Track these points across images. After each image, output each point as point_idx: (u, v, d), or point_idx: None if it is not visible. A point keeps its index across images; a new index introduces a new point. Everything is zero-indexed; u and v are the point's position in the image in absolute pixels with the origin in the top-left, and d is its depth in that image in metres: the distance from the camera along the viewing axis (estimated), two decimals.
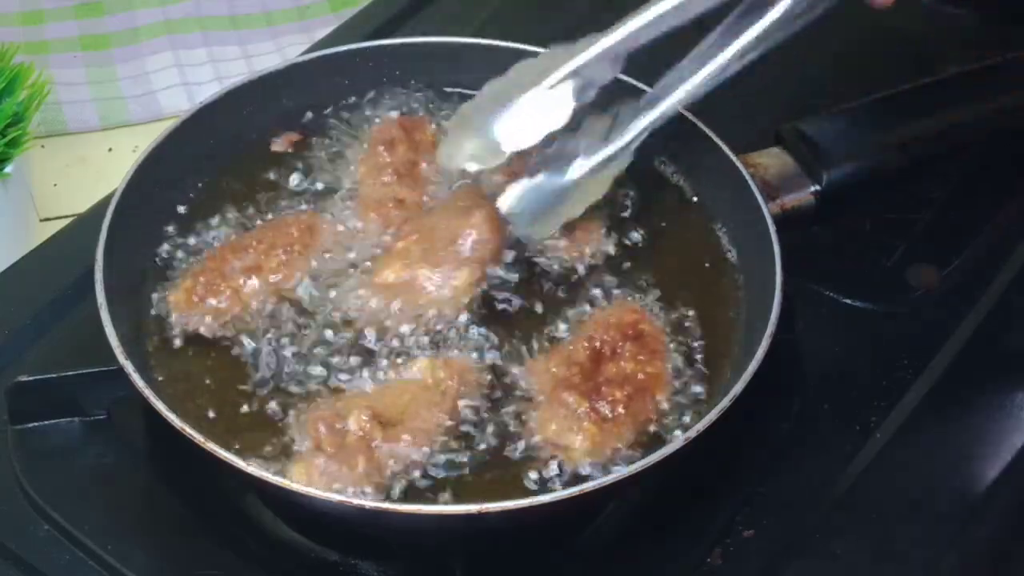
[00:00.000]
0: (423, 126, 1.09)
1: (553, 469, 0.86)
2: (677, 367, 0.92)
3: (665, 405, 0.89)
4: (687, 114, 1.05)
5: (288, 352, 0.93)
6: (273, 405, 0.89)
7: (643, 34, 0.91)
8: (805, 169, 1.04)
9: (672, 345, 0.94)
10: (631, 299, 0.97)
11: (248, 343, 0.93)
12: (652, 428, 0.88)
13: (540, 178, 0.96)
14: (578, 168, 0.96)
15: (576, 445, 0.86)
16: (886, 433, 0.97)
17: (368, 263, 0.98)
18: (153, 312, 0.95)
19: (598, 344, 0.91)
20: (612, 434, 0.87)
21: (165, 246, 1.00)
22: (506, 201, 0.96)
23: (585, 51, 0.92)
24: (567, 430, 0.86)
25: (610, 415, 0.87)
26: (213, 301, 0.93)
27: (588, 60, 0.92)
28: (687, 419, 0.89)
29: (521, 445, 0.87)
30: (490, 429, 0.88)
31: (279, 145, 1.08)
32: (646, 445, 0.87)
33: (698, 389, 0.91)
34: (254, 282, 0.95)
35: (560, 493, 0.82)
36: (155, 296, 0.96)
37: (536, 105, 0.93)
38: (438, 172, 1.06)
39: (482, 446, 0.87)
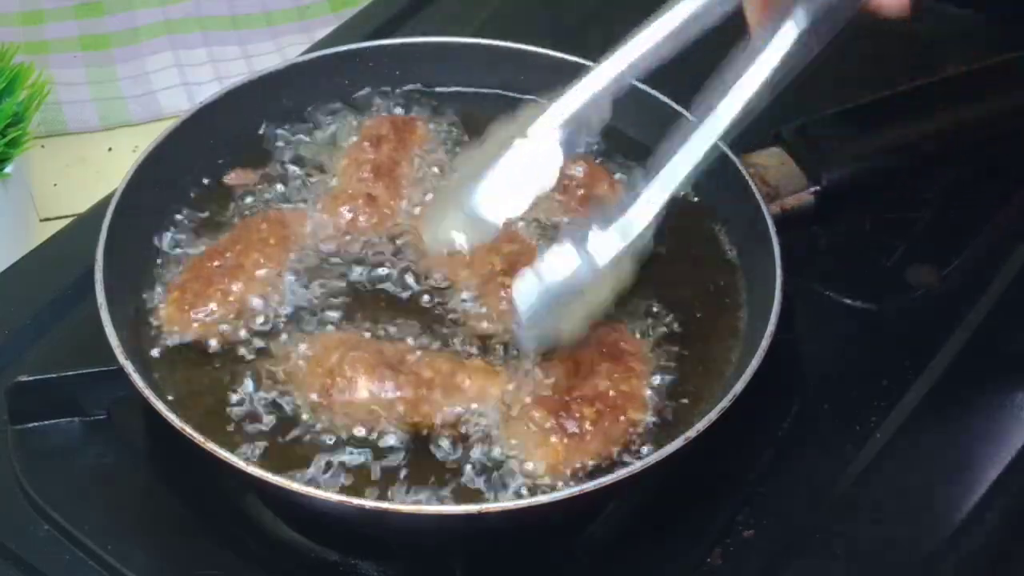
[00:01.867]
0: (414, 126, 1.09)
1: (512, 481, 0.85)
2: (669, 373, 0.92)
3: (640, 423, 0.88)
4: (687, 114, 1.05)
5: (291, 346, 0.93)
6: (272, 402, 0.89)
7: (637, 67, 0.82)
8: (805, 169, 1.04)
9: (667, 347, 0.94)
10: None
11: (244, 342, 0.93)
12: (621, 446, 0.87)
13: (554, 270, 0.82)
14: (596, 253, 0.82)
15: (537, 460, 0.85)
16: (886, 433, 0.97)
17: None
18: (151, 317, 0.95)
19: (576, 360, 0.90)
20: (576, 451, 0.86)
21: (165, 246, 1.00)
22: (523, 300, 0.83)
23: (568, 97, 0.82)
24: (531, 444, 0.86)
25: (576, 432, 0.86)
26: (203, 308, 0.94)
27: (573, 108, 0.82)
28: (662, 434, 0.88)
29: (481, 454, 0.87)
30: (450, 438, 0.88)
31: (232, 180, 1.06)
32: (614, 465, 0.86)
33: (684, 400, 0.91)
34: (239, 283, 0.95)
35: (560, 493, 0.82)
36: (154, 295, 0.96)
37: (519, 164, 0.82)
38: (420, 175, 1.06)
39: (440, 454, 0.87)
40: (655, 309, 0.97)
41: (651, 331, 0.95)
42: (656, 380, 0.92)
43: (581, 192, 1.03)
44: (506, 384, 0.90)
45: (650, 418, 0.89)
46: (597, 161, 1.08)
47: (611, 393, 0.88)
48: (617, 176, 1.07)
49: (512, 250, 0.97)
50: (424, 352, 0.91)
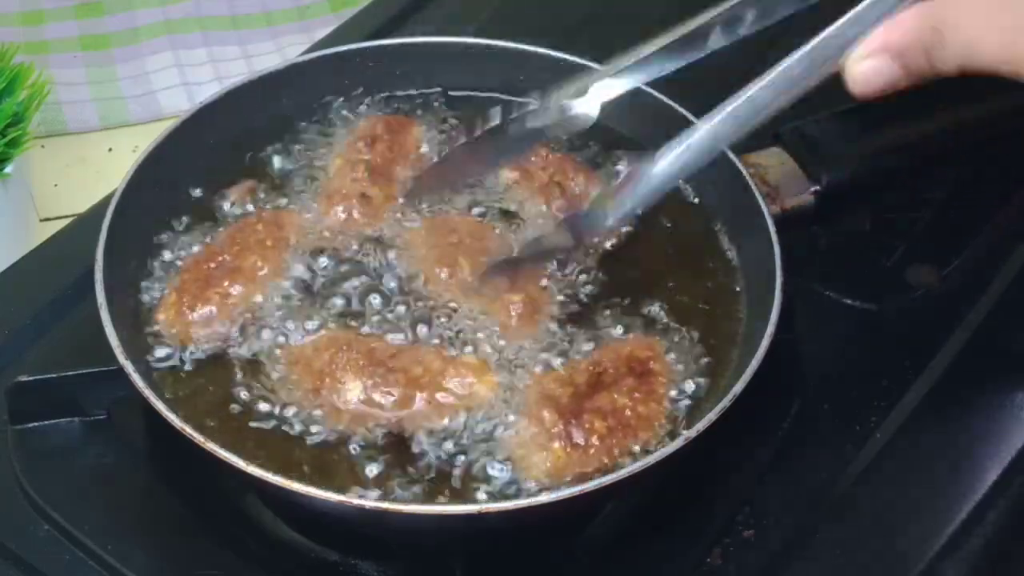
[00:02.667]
0: (409, 127, 1.09)
1: (503, 479, 0.85)
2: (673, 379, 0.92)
3: (647, 446, 0.87)
4: (687, 114, 1.05)
5: (288, 346, 0.93)
6: (271, 401, 0.89)
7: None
8: (805, 169, 1.04)
9: (666, 348, 0.94)
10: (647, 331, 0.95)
11: (242, 341, 0.93)
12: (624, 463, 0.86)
13: None
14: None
15: (536, 464, 0.85)
16: (886, 433, 0.97)
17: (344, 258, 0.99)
18: (151, 318, 0.95)
19: (601, 371, 0.90)
20: (577, 462, 0.85)
21: (165, 246, 1.00)
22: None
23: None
24: (534, 447, 0.86)
25: (581, 444, 0.85)
26: (202, 309, 0.94)
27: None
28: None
29: (478, 453, 0.87)
30: (444, 437, 0.88)
31: (232, 196, 1.04)
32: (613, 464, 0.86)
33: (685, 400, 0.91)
34: (237, 284, 0.95)
35: (560, 493, 0.82)
36: (154, 295, 0.96)
37: None
38: (415, 175, 1.06)
39: (435, 453, 0.87)
40: (654, 309, 0.97)
41: (650, 331, 0.95)
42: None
43: (559, 196, 1.03)
44: (498, 384, 0.89)
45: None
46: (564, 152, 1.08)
47: (627, 412, 0.87)
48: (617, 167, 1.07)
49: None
50: (416, 349, 0.91)
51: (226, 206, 1.03)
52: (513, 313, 0.94)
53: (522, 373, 0.91)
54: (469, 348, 0.92)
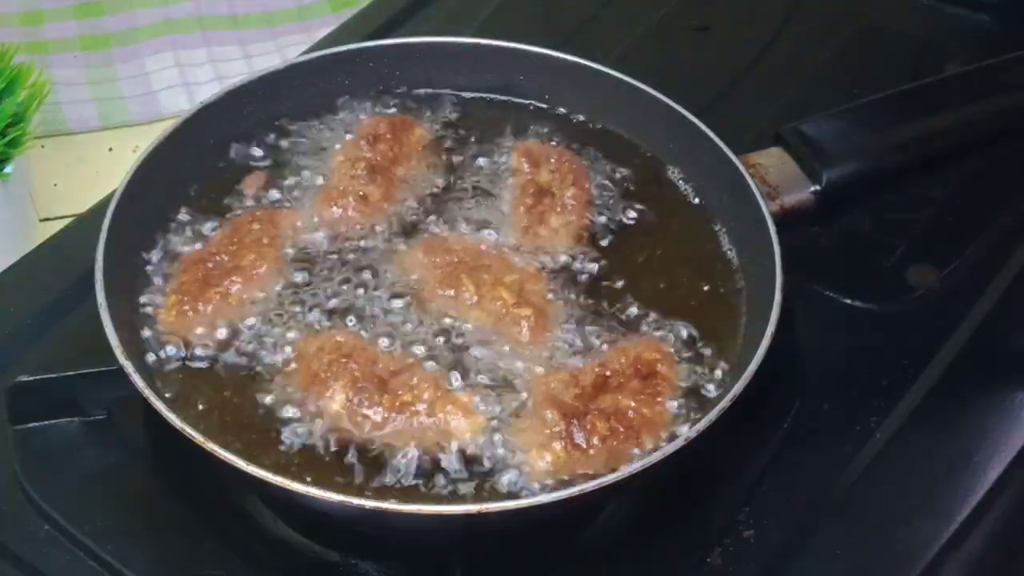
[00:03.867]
0: (412, 127, 1.09)
1: (505, 478, 0.85)
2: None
3: (648, 447, 0.86)
4: (687, 115, 1.05)
5: (286, 346, 0.93)
6: (271, 401, 0.89)
7: None
8: (805, 169, 1.04)
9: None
10: (659, 332, 0.95)
11: (241, 341, 0.93)
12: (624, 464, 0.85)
13: None
14: None
15: (536, 462, 0.85)
16: (886, 433, 0.97)
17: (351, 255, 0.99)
18: (151, 318, 0.95)
19: (608, 373, 0.90)
20: (578, 463, 0.85)
21: (165, 246, 1.00)
22: None
23: None
24: (534, 445, 0.86)
25: (583, 445, 0.85)
26: (202, 309, 0.94)
27: None
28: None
29: (486, 448, 0.87)
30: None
31: (247, 186, 1.05)
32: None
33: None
34: (236, 283, 0.95)
35: (560, 493, 0.82)
36: (154, 295, 0.96)
37: None
38: (418, 178, 1.06)
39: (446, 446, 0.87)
40: (655, 310, 0.97)
41: (650, 331, 0.95)
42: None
43: (531, 198, 1.03)
44: (482, 427, 0.88)
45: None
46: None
47: (630, 414, 0.87)
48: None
49: (515, 279, 0.97)
50: (415, 371, 0.90)
51: (227, 205, 1.03)
52: (524, 326, 0.93)
53: (528, 380, 0.91)
54: (482, 376, 0.91)
